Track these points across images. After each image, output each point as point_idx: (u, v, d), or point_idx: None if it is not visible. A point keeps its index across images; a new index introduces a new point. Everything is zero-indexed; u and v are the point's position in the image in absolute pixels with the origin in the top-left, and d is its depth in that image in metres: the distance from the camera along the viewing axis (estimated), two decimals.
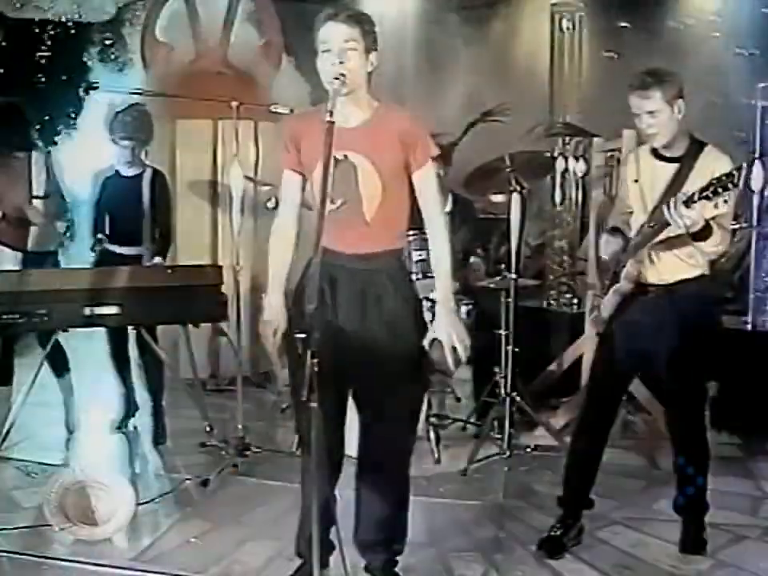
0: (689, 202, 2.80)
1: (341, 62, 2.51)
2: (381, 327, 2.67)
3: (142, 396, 4.74)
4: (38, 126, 4.67)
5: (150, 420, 4.64)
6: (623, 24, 6.96)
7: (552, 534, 3.31)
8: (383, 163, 2.61)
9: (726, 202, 2.78)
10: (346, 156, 2.58)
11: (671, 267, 3.10)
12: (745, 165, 2.80)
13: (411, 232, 4.18)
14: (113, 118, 4.54)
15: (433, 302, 4.26)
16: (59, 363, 4.55)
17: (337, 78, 2.48)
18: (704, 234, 2.87)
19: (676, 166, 3.07)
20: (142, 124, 4.55)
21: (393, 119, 2.65)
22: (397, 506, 2.86)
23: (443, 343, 2.65)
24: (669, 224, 2.90)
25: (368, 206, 2.62)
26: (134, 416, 4.74)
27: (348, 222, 2.61)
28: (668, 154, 3.10)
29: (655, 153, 3.14)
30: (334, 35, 2.53)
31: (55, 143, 4.85)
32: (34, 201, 4.41)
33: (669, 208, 2.85)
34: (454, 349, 2.66)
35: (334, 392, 2.59)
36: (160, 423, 4.59)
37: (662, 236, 3.03)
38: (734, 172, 2.73)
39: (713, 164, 2.98)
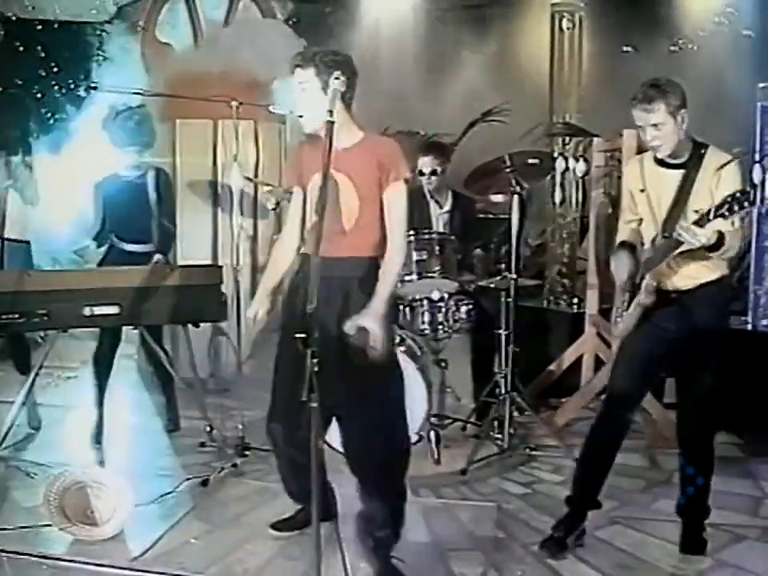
0: (703, 221, 2.82)
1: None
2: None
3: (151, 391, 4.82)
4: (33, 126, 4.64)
5: (165, 409, 4.75)
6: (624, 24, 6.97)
7: (555, 534, 3.31)
8: (361, 181, 2.93)
9: (742, 219, 2.83)
10: (331, 174, 2.81)
11: (693, 272, 3.10)
12: (758, 181, 2.79)
13: (411, 232, 4.19)
14: (113, 121, 4.53)
15: (431, 300, 4.32)
16: (22, 361, 4.55)
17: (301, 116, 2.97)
18: (718, 244, 2.88)
19: (682, 172, 3.07)
20: (144, 129, 4.55)
21: (375, 144, 3.00)
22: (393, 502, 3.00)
23: (369, 331, 2.76)
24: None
25: (346, 218, 2.95)
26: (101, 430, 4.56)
27: (330, 230, 2.79)
28: (672, 161, 3.10)
29: (659, 161, 3.14)
30: (295, 79, 2.94)
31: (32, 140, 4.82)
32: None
33: (682, 228, 2.87)
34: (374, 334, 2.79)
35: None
36: (173, 412, 4.73)
37: (678, 250, 3.03)
38: (749, 189, 2.73)
39: (717, 163, 3.00)
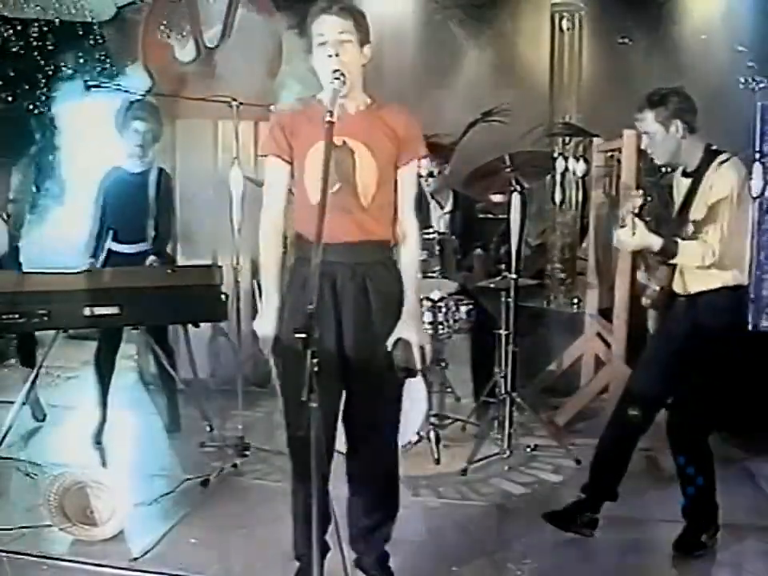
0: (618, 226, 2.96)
1: (337, 55, 2.49)
2: (374, 320, 2.62)
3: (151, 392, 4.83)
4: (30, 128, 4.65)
5: (165, 409, 4.73)
6: (624, 24, 6.96)
7: (566, 507, 3.34)
8: (380, 151, 2.59)
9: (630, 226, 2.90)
10: (344, 142, 2.55)
11: (694, 279, 3.13)
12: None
13: None
14: (126, 108, 4.54)
15: (431, 300, 4.31)
16: (28, 356, 4.55)
17: (337, 78, 2.45)
18: (666, 252, 2.98)
19: (691, 180, 3.11)
20: (154, 115, 4.61)
21: (391, 111, 2.66)
22: (387, 488, 2.86)
23: (412, 343, 2.56)
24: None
25: (364, 192, 2.58)
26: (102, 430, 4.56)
27: (344, 208, 2.55)
28: (687, 169, 3.14)
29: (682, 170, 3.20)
30: (328, 27, 2.52)
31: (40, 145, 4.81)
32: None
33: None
34: (421, 348, 2.59)
35: (330, 389, 2.57)
36: (174, 412, 4.70)
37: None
38: (639, 199, 2.89)
39: (715, 178, 3.02)
